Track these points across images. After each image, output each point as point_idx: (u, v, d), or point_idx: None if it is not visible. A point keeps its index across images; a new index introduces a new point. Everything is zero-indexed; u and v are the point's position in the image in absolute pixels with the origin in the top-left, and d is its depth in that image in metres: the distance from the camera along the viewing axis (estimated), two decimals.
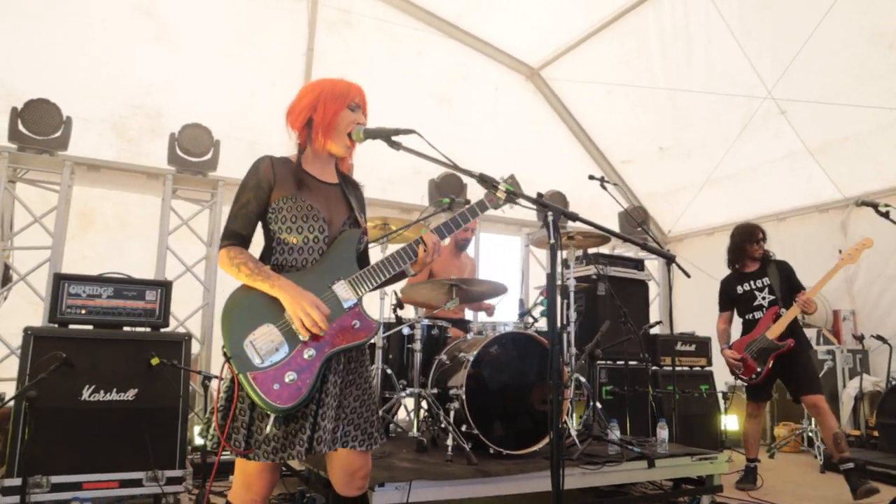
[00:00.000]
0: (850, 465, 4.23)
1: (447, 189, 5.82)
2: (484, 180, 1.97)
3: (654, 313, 7.76)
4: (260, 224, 2.10)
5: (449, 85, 7.53)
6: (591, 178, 4.32)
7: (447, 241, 3.25)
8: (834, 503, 4.23)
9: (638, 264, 5.66)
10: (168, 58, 6.12)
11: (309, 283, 1.98)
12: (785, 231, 7.22)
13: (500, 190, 1.97)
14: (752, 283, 4.81)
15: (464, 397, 3.33)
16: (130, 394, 3.52)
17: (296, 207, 2.04)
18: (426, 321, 4.01)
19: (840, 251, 4.54)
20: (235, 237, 2.03)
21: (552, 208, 1.94)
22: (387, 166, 6.63)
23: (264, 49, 6.58)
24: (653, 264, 7.94)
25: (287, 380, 1.86)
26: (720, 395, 5.91)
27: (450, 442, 3.32)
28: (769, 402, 5.83)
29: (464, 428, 3.41)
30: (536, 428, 3.50)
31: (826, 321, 6.76)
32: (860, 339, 6.25)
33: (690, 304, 8.31)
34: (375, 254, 2.47)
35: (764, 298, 4.73)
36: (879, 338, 5.82)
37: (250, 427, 1.93)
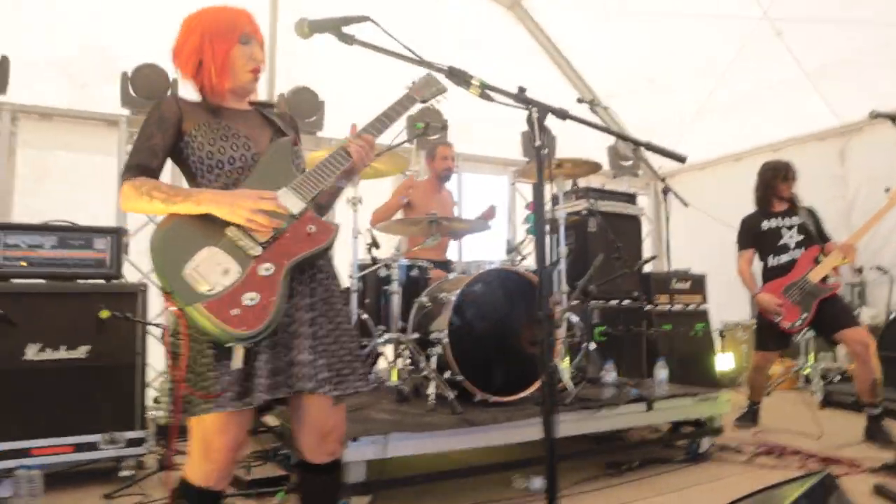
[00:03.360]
0: (877, 410, 3.99)
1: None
2: (454, 74, 1.64)
3: (647, 250, 7.52)
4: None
5: (424, 19, 7.05)
6: (580, 100, 3.98)
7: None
8: (836, 438, 4.04)
9: (630, 198, 5.35)
10: None
11: None
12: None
13: (473, 85, 1.63)
14: (779, 219, 4.40)
15: (446, 341, 3.04)
16: (82, 351, 3.21)
17: (212, 130, 1.77)
18: (405, 261, 3.70)
19: (887, 190, 4.10)
20: (137, 169, 1.72)
21: (536, 104, 1.61)
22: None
23: None
24: (643, 200, 7.67)
25: (247, 302, 1.57)
26: (716, 334, 5.69)
27: (431, 390, 3.05)
28: None
29: (447, 375, 3.13)
30: (526, 372, 3.23)
31: None
32: (859, 270, 6.04)
33: (683, 241, 8.07)
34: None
35: (791, 238, 4.32)
36: (879, 268, 5.60)
37: (208, 373, 1.61)
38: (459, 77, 1.63)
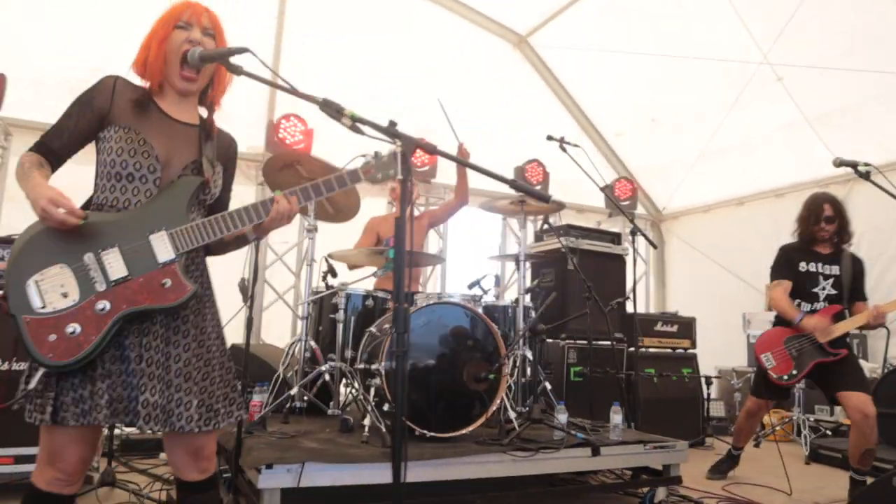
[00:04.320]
0: (863, 478, 3.73)
1: None
2: (328, 105, 1.64)
3: (641, 292, 7.42)
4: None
5: (435, 54, 7.16)
6: (550, 138, 3.95)
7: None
8: (812, 495, 3.88)
9: (615, 238, 5.28)
10: None
11: (123, 227, 1.70)
12: (783, 209, 6.76)
13: (345, 116, 1.64)
14: (819, 265, 4.06)
15: (383, 373, 3.01)
16: None
17: (125, 139, 1.75)
18: (360, 291, 3.70)
19: None
20: (39, 145, 1.76)
21: (402, 138, 1.61)
22: None
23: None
24: (641, 241, 7.58)
25: (67, 331, 1.57)
26: (703, 380, 5.53)
27: (367, 422, 3.01)
28: None
29: (386, 407, 3.10)
30: (469, 409, 3.17)
31: None
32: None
33: (684, 285, 7.97)
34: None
35: (824, 289, 4.00)
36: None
37: (58, 385, 1.63)
38: (331, 108, 1.64)
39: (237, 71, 1.74)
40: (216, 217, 1.76)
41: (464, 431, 3.12)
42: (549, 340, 5.05)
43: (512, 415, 3.28)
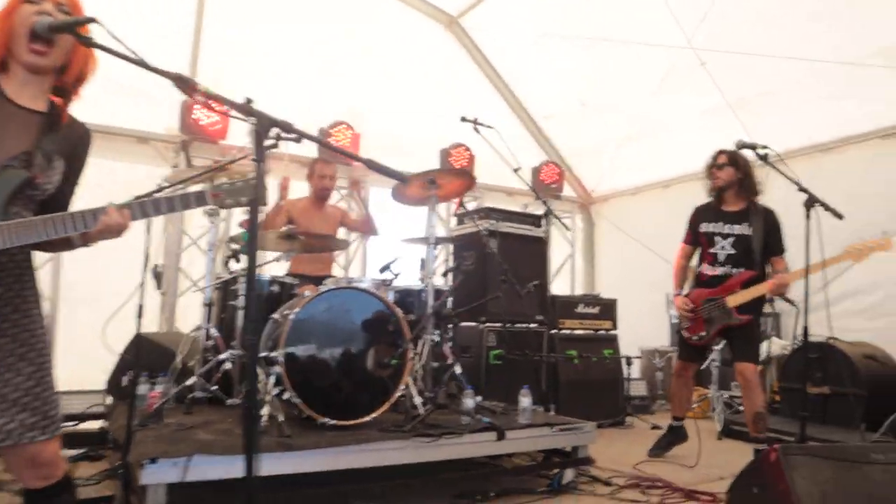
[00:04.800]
0: (760, 445, 3.84)
1: None
2: (181, 80, 1.55)
3: (566, 275, 7.49)
4: None
5: (364, 35, 7.00)
6: (464, 119, 3.91)
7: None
8: (721, 471, 3.98)
9: (535, 220, 5.28)
10: None
11: None
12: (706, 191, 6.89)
13: (197, 93, 1.55)
14: (720, 224, 4.11)
15: (282, 360, 2.94)
16: None
17: None
18: (266, 276, 3.60)
19: (884, 233, 3.88)
20: None
21: (259, 115, 1.52)
22: None
23: None
24: (570, 223, 7.66)
25: None
26: (623, 360, 5.63)
27: (265, 411, 2.93)
28: None
29: (287, 395, 3.02)
30: (372, 396, 3.13)
31: None
32: (770, 301, 6.01)
33: (613, 268, 8.08)
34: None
35: (723, 248, 4.07)
36: (787, 300, 5.55)
37: None
38: (184, 84, 1.55)
39: (88, 43, 1.63)
40: (35, 220, 1.62)
41: (367, 419, 3.08)
42: (471, 324, 5.05)
43: (418, 400, 3.25)
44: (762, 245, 3.99)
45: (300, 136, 1.56)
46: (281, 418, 2.88)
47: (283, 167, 4.96)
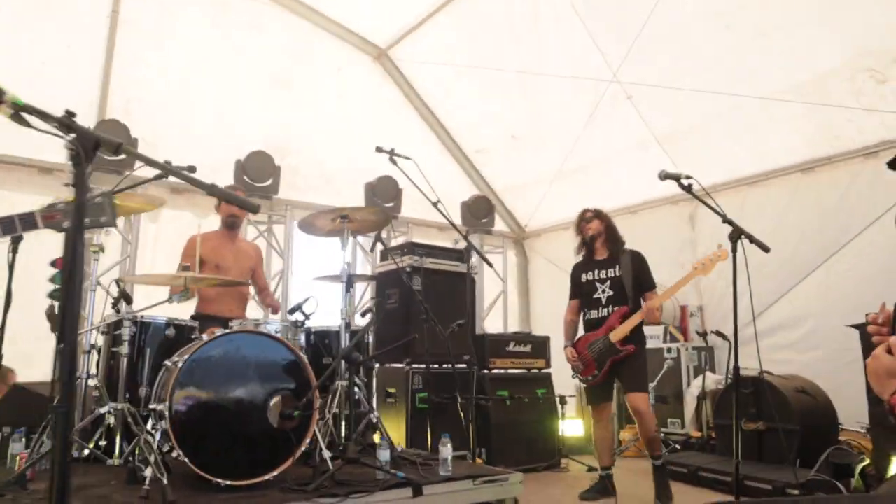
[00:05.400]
0: (658, 462, 3.98)
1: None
2: None
3: (499, 312, 7.30)
4: None
5: (287, 65, 6.77)
6: (379, 149, 3.69)
7: None
8: None
9: (459, 255, 5.06)
10: None
11: None
12: (638, 224, 6.86)
13: (4, 104, 1.27)
14: (596, 272, 4.36)
15: (167, 414, 2.60)
16: None
17: None
18: (161, 318, 3.25)
19: (720, 246, 4.00)
20: None
21: (79, 131, 1.25)
22: None
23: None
24: (498, 259, 7.49)
25: None
26: (558, 400, 5.43)
27: (148, 473, 2.58)
28: (616, 406, 5.42)
29: (175, 454, 2.67)
30: (274, 451, 2.81)
31: (674, 317, 6.44)
32: (703, 335, 5.96)
33: (548, 304, 7.92)
34: None
35: (604, 292, 4.28)
36: (719, 334, 5.50)
37: None
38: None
39: None
40: None
41: (267, 476, 2.75)
42: (398, 365, 4.77)
43: (327, 454, 2.94)
44: (634, 282, 4.23)
45: (136, 157, 1.29)
46: (164, 481, 2.52)
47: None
